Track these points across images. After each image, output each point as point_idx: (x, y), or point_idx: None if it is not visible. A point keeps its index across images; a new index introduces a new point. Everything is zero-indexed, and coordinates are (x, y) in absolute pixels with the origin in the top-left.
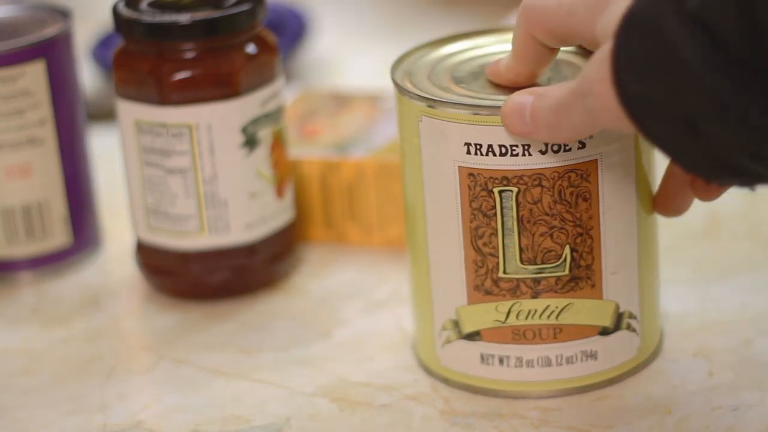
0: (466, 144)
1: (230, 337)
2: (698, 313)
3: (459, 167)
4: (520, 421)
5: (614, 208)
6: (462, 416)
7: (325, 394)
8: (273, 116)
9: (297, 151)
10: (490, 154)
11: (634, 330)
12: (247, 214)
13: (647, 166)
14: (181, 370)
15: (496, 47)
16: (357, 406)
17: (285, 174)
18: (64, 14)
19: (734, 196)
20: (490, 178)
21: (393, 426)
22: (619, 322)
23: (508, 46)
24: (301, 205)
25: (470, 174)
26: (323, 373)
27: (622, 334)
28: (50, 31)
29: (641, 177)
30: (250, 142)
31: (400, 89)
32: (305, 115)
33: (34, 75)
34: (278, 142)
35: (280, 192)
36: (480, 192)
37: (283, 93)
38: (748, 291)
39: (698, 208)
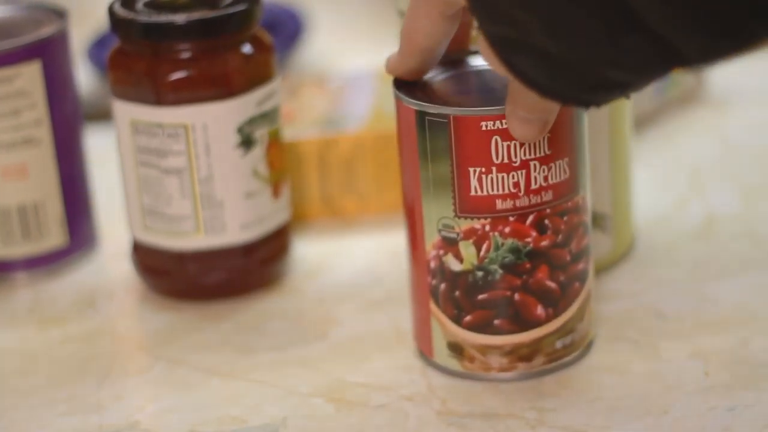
0: None
1: (226, 337)
2: (694, 314)
3: None
4: (516, 421)
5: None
6: (458, 416)
7: (321, 394)
8: (269, 116)
9: (290, 132)
10: None
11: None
12: (243, 215)
13: None
14: (177, 370)
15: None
16: (353, 407)
17: (281, 174)
18: (60, 14)
19: (730, 196)
20: None
21: (389, 426)
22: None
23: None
24: (297, 186)
25: None
26: (319, 373)
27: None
28: (46, 31)
29: None
30: (246, 143)
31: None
32: None
33: (30, 75)
34: (274, 142)
35: (276, 192)
36: None
37: (279, 93)
38: (744, 291)
39: (695, 208)
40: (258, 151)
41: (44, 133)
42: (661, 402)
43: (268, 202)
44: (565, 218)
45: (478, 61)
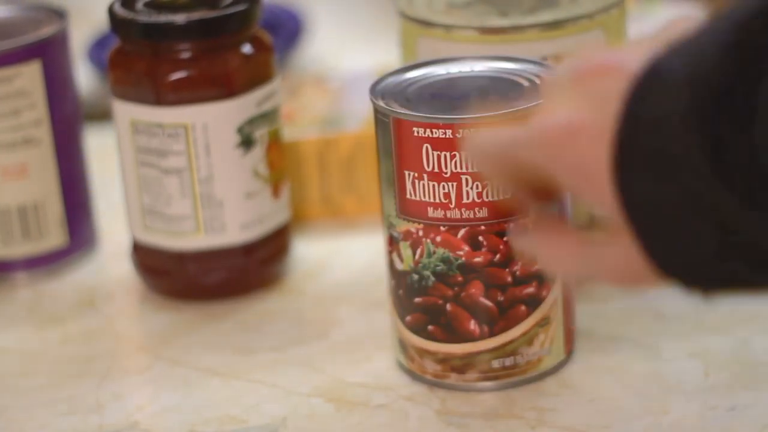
0: None
1: (226, 337)
2: (694, 314)
3: None
4: (517, 421)
5: None
6: (458, 416)
7: (321, 394)
8: (269, 116)
9: (290, 132)
10: None
11: None
12: (243, 215)
13: None
14: (176, 370)
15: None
16: (353, 407)
17: (281, 174)
18: (60, 14)
19: None
20: None
21: (389, 426)
22: None
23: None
24: (297, 186)
25: None
26: (319, 373)
27: None
28: (46, 31)
29: None
30: (246, 142)
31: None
32: None
33: (30, 75)
34: (274, 142)
35: (276, 192)
36: None
37: (279, 93)
38: None
39: None
40: (258, 151)
41: (44, 133)
42: (661, 402)
43: (268, 202)
44: (504, 239)
45: (475, 67)
